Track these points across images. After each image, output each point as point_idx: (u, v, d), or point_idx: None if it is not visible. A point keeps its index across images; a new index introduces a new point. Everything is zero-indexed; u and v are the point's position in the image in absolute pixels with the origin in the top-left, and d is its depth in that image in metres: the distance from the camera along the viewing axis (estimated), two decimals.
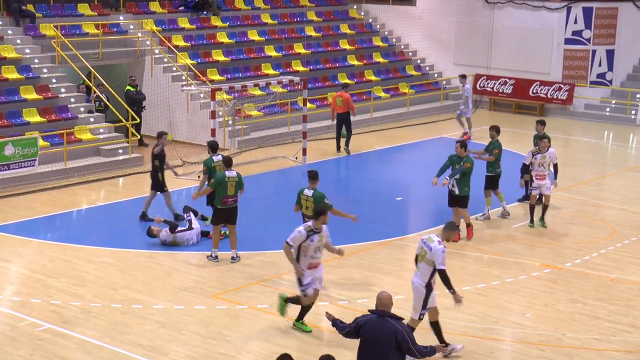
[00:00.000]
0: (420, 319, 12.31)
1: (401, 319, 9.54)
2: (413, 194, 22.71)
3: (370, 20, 36.89)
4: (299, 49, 32.53)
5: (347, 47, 34.22)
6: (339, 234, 18.58)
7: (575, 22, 33.11)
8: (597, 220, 19.81)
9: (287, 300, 13.46)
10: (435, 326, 12.56)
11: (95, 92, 26.23)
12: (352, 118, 26.73)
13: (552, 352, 13.09)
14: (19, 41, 26.06)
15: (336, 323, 9.93)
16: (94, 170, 23.35)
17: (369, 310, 9.68)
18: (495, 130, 19.70)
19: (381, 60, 34.70)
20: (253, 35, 31.92)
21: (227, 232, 17.34)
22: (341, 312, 14.28)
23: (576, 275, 16.40)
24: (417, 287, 12.38)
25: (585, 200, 21.21)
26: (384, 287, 15.18)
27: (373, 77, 33.46)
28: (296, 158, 25.15)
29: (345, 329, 9.77)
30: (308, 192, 15.51)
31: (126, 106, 25.91)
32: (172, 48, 28.72)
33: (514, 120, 32.81)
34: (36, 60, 25.70)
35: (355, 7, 37.08)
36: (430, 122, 31.74)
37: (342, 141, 26.47)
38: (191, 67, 28.19)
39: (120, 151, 24.35)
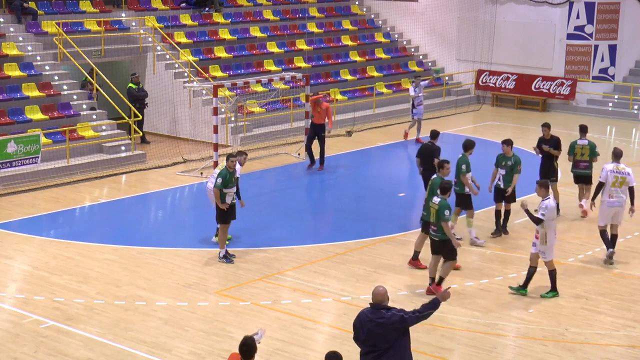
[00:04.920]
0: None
1: (393, 308, 9.70)
2: (415, 190, 22.68)
3: (372, 16, 36.87)
4: (301, 45, 32.52)
5: (349, 43, 34.20)
6: (342, 230, 18.64)
7: (578, 17, 33.06)
8: None
9: None
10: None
11: (97, 89, 26.23)
12: (328, 132, 24.55)
13: (555, 347, 13.10)
14: (21, 38, 26.07)
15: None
16: (96, 167, 23.36)
17: (369, 303, 9.82)
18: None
19: (383, 56, 34.68)
20: (255, 32, 31.92)
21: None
22: (344, 308, 14.31)
23: (579, 270, 16.40)
24: (622, 204, 16.54)
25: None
26: (386, 283, 15.20)
27: (375, 73, 33.44)
28: (298, 154, 25.15)
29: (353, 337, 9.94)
30: (583, 142, 19.09)
31: (128, 103, 25.92)
32: (175, 45, 28.73)
33: (517, 115, 32.81)
34: (38, 58, 25.71)
35: (357, 3, 37.05)
36: (432, 117, 31.70)
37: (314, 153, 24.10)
38: (193, 63, 28.20)
39: (123, 148, 24.36)
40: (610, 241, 16.75)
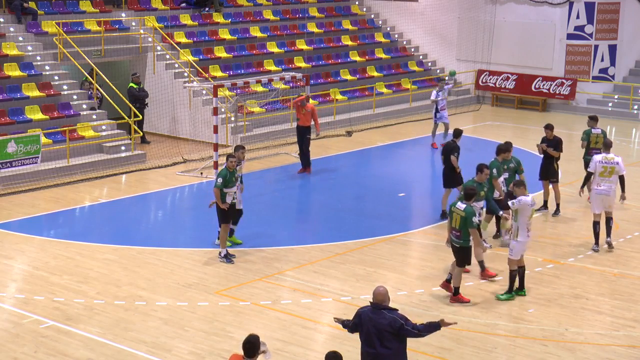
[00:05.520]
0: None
1: (395, 309, 9.70)
2: (416, 190, 22.72)
3: (372, 16, 36.87)
4: (301, 45, 32.51)
5: (349, 43, 34.20)
6: (342, 230, 18.63)
7: (578, 17, 33.06)
8: None
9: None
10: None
11: (97, 89, 26.23)
12: (315, 134, 23.70)
13: (555, 347, 13.10)
14: (21, 38, 26.07)
15: (344, 324, 10.10)
16: (96, 167, 23.36)
17: (369, 302, 9.85)
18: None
19: (383, 56, 34.68)
20: (255, 32, 31.91)
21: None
22: (344, 308, 14.30)
23: (579, 270, 16.40)
24: (614, 192, 17.22)
25: (587, 195, 21.17)
26: (386, 283, 15.20)
27: (375, 73, 33.44)
28: (298, 154, 25.11)
29: (349, 325, 9.97)
30: (597, 131, 20.01)
31: (128, 103, 25.92)
32: (174, 45, 28.73)
33: (517, 115, 32.80)
34: (38, 58, 25.71)
35: (357, 3, 37.05)
36: (432, 117, 31.65)
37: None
38: (193, 63, 28.19)
39: (123, 148, 24.36)
40: (606, 230, 17.44)
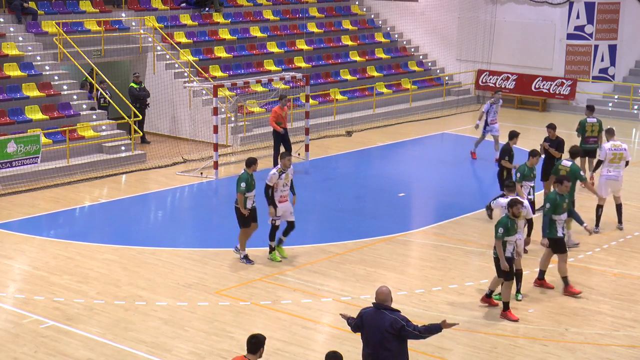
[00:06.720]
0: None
1: (397, 310, 9.72)
2: (416, 190, 22.71)
3: (372, 16, 36.87)
4: (301, 45, 32.51)
5: (349, 43, 34.20)
6: (342, 230, 18.63)
7: (578, 17, 33.06)
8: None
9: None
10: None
11: (98, 90, 26.25)
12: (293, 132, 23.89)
13: (555, 347, 13.10)
14: (21, 38, 26.07)
15: (348, 321, 10.12)
16: (96, 167, 23.36)
17: (372, 303, 9.86)
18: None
19: (383, 56, 34.68)
20: (255, 32, 31.92)
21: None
22: (344, 308, 14.30)
23: (579, 270, 16.39)
24: (621, 177, 18.38)
25: (587, 195, 21.16)
26: (386, 283, 15.17)
27: (375, 73, 33.44)
28: (298, 154, 25.13)
29: (352, 324, 10.00)
30: (592, 120, 21.02)
31: (128, 103, 25.92)
32: (175, 45, 28.73)
33: (517, 115, 32.78)
34: (38, 58, 25.71)
35: (357, 3, 37.05)
36: (432, 117, 31.72)
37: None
38: (193, 63, 28.19)
39: (123, 148, 24.36)
40: (617, 216, 18.70)
